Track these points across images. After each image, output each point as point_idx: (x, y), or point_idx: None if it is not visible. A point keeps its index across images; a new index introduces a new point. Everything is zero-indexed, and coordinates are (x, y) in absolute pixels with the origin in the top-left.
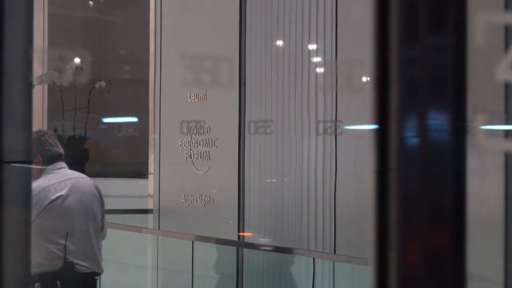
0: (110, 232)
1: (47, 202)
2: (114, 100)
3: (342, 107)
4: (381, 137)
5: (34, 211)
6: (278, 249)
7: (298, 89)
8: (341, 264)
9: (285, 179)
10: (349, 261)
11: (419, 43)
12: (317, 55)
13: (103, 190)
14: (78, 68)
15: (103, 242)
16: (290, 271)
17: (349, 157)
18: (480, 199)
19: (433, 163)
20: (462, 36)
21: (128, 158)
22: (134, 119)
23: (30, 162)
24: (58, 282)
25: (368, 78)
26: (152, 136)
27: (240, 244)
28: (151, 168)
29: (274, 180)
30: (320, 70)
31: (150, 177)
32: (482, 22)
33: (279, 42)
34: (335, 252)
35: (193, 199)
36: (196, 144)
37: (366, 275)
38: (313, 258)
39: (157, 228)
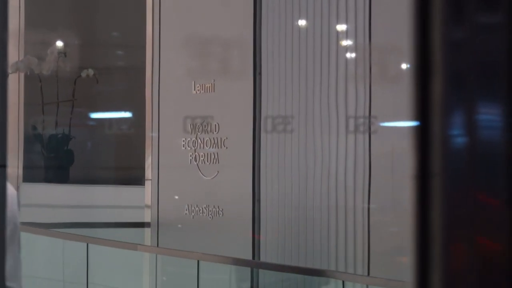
0: (98, 251)
1: None
2: (104, 92)
3: (376, 101)
4: (422, 136)
5: None
6: (300, 271)
7: (325, 79)
8: None
9: (308, 186)
10: (386, 284)
11: (467, 23)
12: (347, 38)
13: (91, 199)
14: (61, 53)
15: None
16: None
17: (385, 160)
18: None
19: (484, 167)
20: None
21: (121, 161)
22: (128, 115)
23: (4, 166)
24: None
25: (408, 66)
26: (150, 135)
27: (255, 264)
28: (149, 173)
29: (296, 188)
30: (350, 55)
31: (147, 184)
32: None
33: (301, 22)
34: (368, 274)
35: (199, 210)
36: (202, 145)
37: None
38: (343, 282)
39: (156, 245)
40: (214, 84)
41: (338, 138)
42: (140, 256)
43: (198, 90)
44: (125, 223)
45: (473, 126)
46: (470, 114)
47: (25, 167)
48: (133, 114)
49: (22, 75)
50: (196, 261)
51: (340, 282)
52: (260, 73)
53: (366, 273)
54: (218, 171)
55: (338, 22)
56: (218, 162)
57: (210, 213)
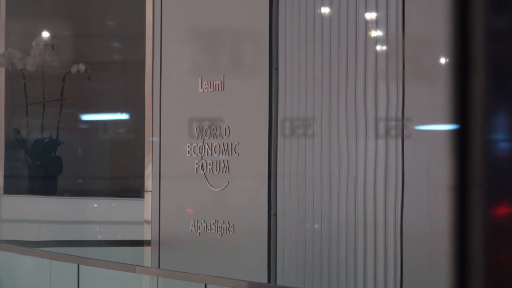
0: (90, 273)
1: None
2: (98, 90)
3: (410, 101)
4: (462, 141)
5: None
6: None
7: (351, 76)
8: None
9: (332, 198)
10: None
11: None
12: (376, 28)
13: (82, 213)
14: (48, 45)
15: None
16: None
17: (420, 168)
18: None
19: None
20: None
21: (116, 170)
22: (124, 116)
23: None
24: None
25: (447, 60)
26: (150, 140)
27: None
28: (148, 183)
29: (318, 200)
30: (381, 48)
31: (147, 196)
32: None
33: (324, 10)
34: None
35: (206, 226)
36: (210, 151)
37: None
38: None
39: (157, 266)
40: (223, 81)
41: (366, 143)
42: (139, 279)
43: (205, 88)
44: (122, 241)
45: None
46: None
47: (6, 177)
48: (130, 116)
49: (2, 70)
50: (203, 284)
51: None
52: (276, 69)
53: None
54: (228, 182)
55: (366, 10)
56: (229, 171)
57: (219, 229)
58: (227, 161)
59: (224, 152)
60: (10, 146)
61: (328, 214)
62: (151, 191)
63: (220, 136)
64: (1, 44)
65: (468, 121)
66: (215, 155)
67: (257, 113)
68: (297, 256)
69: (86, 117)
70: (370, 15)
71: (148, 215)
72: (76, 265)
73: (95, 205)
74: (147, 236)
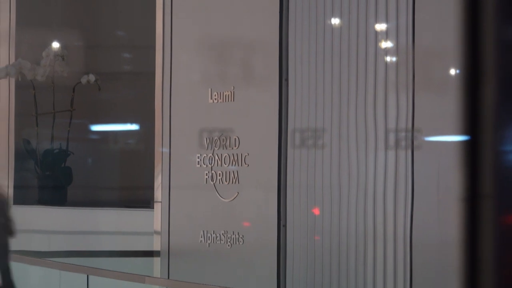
0: (100, 283)
1: None
2: (107, 101)
3: (420, 112)
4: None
5: None
6: None
7: (361, 86)
8: None
9: (342, 210)
10: None
11: None
12: (386, 39)
13: (91, 223)
14: (58, 56)
15: None
16: None
17: (430, 180)
18: None
19: None
20: None
21: (126, 181)
22: (134, 127)
23: None
24: None
25: (457, 71)
26: (160, 151)
27: None
28: (158, 194)
29: (327, 211)
30: (391, 59)
31: (157, 206)
32: None
33: (334, 22)
34: None
35: (216, 237)
36: (219, 162)
37: None
38: None
39: (166, 276)
40: (233, 92)
41: (376, 154)
42: None
43: (215, 98)
44: (131, 251)
45: None
46: None
47: (16, 187)
48: (140, 127)
49: (12, 81)
50: None
51: None
52: (286, 79)
53: None
54: (238, 192)
55: (376, 21)
56: (238, 182)
57: (228, 240)
58: (237, 171)
59: (233, 163)
60: (20, 156)
61: (338, 225)
62: (161, 202)
63: (230, 146)
64: (12, 54)
65: (479, 133)
66: (225, 165)
67: (267, 124)
68: (307, 266)
69: (95, 127)
70: (380, 26)
71: (157, 226)
72: (86, 276)
73: (105, 216)
74: (156, 247)
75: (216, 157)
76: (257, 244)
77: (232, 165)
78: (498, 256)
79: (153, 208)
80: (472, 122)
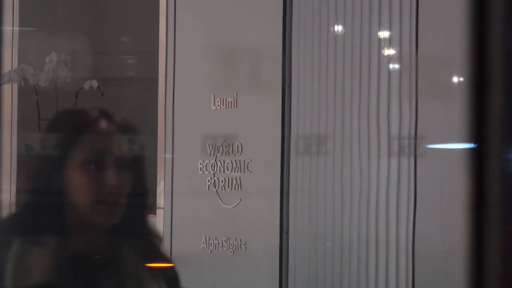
0: None
1: None
2: (110, 106)
3: (424, 119)
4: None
5: None
6: None
7: (364, 93)
8: None
9: (344, 216)
10: None
11: None
12: (390, 46)
13: None
14: (61, 61)
15: None
16: None
17: (434, 187)
18: None
19: None
20: None
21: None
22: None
23: None
24: None
25: (462, 79)
26: (162, 157)
27: None
28: (160, 200)
29: (330, 218)
30: (394, 66)
31: (159, 212)
32: None
33: (337, 28)
34: None
35: (218, 243)
36: (222, 168)
37: None
38: None
39: None
40: (236, 98)
41: (379, 161)
42: None
43: (218, 105)
44: None
45: None
46: None
47: (19, 193)
48: (143, 133)
49: (15, 86)
50: None
51: None
52: (290, 86)
53: None
54: (240, 199)
55: (380, 28)
56: (241, 189)
57: (231, 246)
58: (240, 178)
59: (236, 169)
60: (22, 162)
61: (340, 232)
62: (163, 208)
63: (232, 153)
64: (15, 60)
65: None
66: (228, 172)
67: (270, 131)
68: (309, 273)
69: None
70: (384, 33)
71: (160, 231)
72: None
73: None
74: None
75: (219, 164)
76: (260, 251)
77: (234, 172)
78: (503, 265)
79: (155, 214)
80: (477, 130)
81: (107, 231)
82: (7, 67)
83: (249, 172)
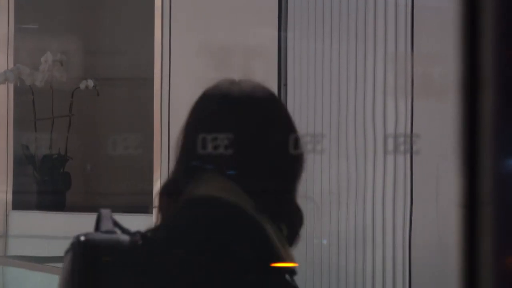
0: None
1: None
2: (106, 106)
3: (419, 117)
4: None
5: None
6: None
7: (360, 92)
8: None
9: (341, 215)
10: None
11: None
12: (385, 45)
13: (90, 229)
14: (57, 61)
15: None
16: None
17: (429, 185)
18: None
19: None
20: None
21: (125, 186)
22: (133, 132)
23: None
24: None
25: (455, 77)
26: (159, 156)
27: None
28: (156, 200)
29: (326, 216)
30: (389, 65)
31: (155, 212)
32: None
33: (333, 26)
34: None
35: None
36: None
37: None
38: None
39: None
40: None
41: (375, 159)
42: None
43: None
44: None
45: None
46: None
47: (15, 192)
48: (139, 132)
49: (11, 86)
50: None
51: None
52: (285, 85)
53: None
54: None
55: (375, 27)
56: None
57: None
58: None
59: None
60: (18, 161)
61: (337, 230)
62: None
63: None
64: (10, 59)
65: (477, 139)
66: None
67: None
68: (306, 272)
69: (95, 133)
70: (379, 32)
71: None
72: None
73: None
74: None
75: None
76: None
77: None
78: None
79: (152, 213)
80: (470, 128)
81: None
82: (2, 67)
83: None
